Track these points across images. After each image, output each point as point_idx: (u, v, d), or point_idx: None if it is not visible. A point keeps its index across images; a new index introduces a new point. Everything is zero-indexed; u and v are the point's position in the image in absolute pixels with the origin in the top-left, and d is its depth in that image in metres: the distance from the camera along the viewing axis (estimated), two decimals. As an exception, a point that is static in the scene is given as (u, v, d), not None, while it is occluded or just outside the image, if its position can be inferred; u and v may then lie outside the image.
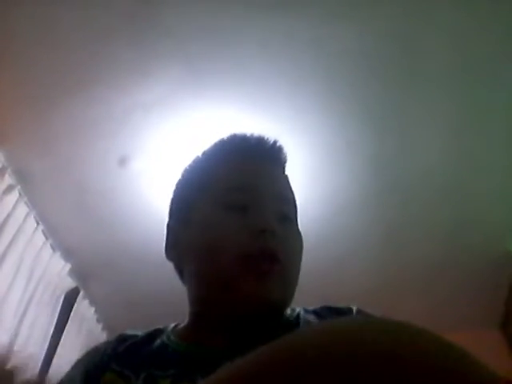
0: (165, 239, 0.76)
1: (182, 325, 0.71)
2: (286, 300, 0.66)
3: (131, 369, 0.61)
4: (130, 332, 0.70)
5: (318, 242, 2.55)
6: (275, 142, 0.77)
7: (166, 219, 0.79)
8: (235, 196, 0.68)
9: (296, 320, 0.67)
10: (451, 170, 2.25)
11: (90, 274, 2.77)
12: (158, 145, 2.14)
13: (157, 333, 0.69)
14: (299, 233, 0.72)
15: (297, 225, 0.73)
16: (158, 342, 0.66)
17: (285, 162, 0.78)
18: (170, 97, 1.96)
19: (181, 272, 0.74)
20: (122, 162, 2.19)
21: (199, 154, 0.79)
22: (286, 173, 0.78)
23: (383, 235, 2.57)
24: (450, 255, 2.67)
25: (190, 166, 0.79)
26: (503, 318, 3.07)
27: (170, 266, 0.76)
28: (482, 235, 2.57)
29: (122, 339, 0.68)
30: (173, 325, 0.72)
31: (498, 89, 1.95)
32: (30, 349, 2.24)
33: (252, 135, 0.76)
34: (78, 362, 0.69)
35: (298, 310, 0.70)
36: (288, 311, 0.69)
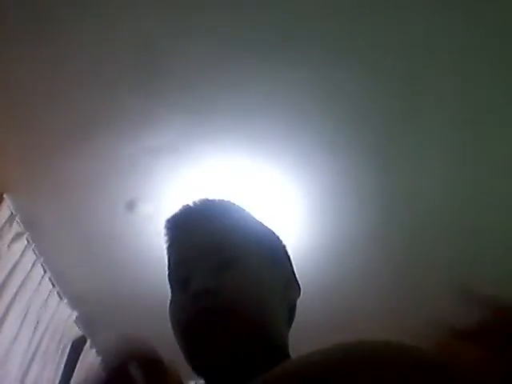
0: None
1: None
2: (242, 347, 0.63)
3: None
4: None
5: (325, 284, 2.51)
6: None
7: None
8: (179, 271, 0.72)
9: None
10: (459, 207, 2.22)
11: (98, 322, 2.72)
12: (165, 190, 2.15)
13: None
14: (250, 269, 0.69)
15: (247, 260, 0.70)
16: None
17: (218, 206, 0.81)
18: (176, 142, 1.99)
19: None
20: (130, 207, 2.20)
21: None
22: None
23: (392, 276, 2.53)
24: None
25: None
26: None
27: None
28: (492, 273, 2.51)
29: None
30: None
31: (503, 125, 1.93)
32: (35, 401, 2.18)
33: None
34: None
35: None
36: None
